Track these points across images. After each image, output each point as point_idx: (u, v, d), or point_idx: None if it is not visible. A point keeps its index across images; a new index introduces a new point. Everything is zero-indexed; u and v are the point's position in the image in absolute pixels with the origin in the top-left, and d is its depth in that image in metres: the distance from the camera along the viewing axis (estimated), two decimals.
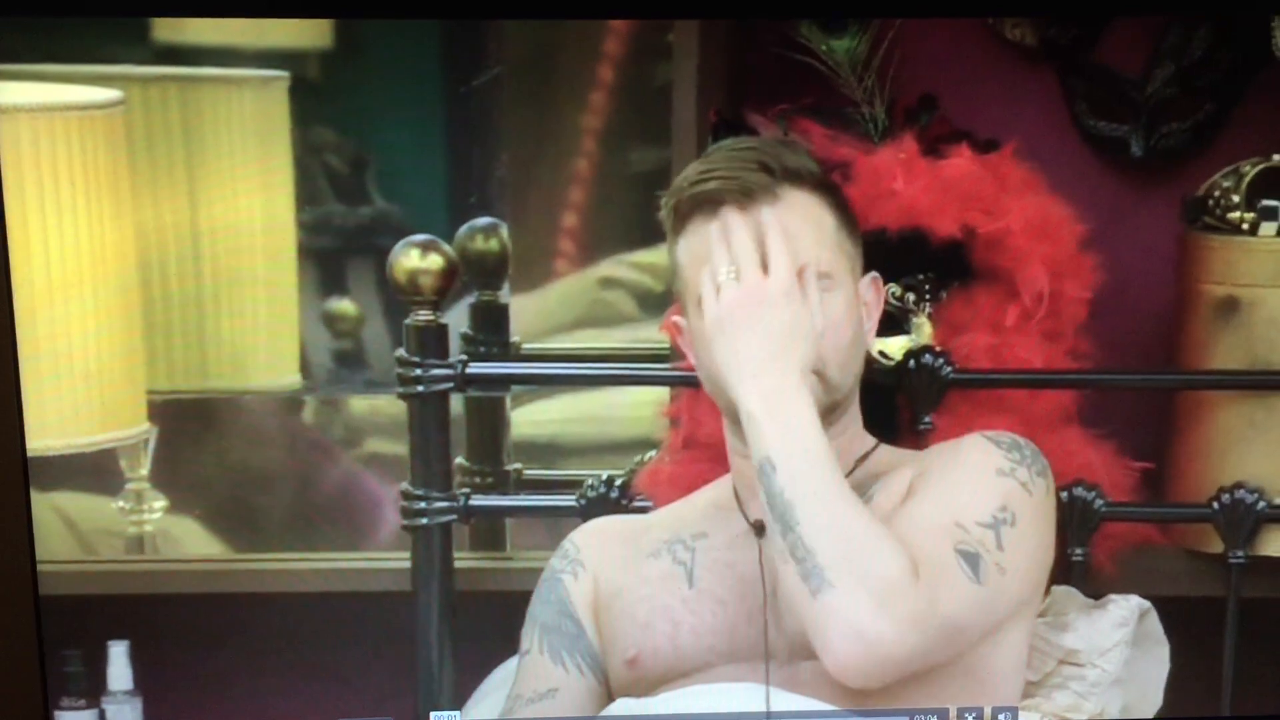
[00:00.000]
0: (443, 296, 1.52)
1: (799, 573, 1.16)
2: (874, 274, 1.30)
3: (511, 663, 1.46)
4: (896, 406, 1.47)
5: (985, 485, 1.24)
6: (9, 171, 1.48)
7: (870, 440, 1.32)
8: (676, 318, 1.32)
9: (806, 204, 1.24)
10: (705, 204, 1.23)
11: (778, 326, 1.20)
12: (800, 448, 1.18)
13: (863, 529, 1.17)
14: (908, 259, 1.45)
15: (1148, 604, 1.39)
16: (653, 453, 1.52)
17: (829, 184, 1.27)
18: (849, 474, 1.29)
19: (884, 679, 1.16)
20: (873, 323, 1.30)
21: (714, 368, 1.23)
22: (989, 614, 1.22)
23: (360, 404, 1.78)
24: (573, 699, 1.30)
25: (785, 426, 1.19)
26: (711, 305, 1.21)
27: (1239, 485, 1.48)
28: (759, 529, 1.28)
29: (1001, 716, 1.28)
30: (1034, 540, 1.26)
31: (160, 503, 1.72)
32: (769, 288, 1.20)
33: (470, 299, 1.69)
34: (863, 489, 1.28)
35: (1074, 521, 1.45)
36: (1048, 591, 1.36)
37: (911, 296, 1.48)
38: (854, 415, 1.31)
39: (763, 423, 1.18)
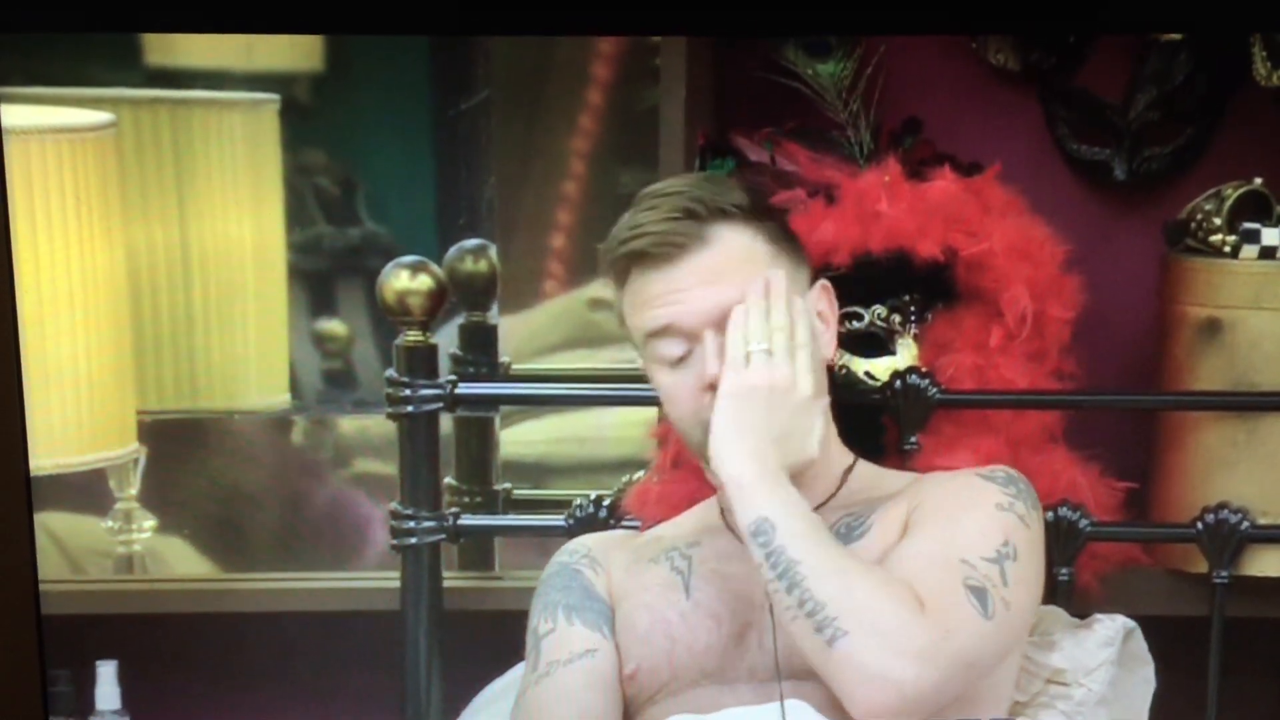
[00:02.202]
0: (432, 317, 1.53)
1: (812, 625, 1.17)
2: (822, 281, 1.29)
3: (505, 678, 1.46)
4: (883, 427, 1.48)
5: (987, 521, 1.25)
6: None
7: (850, 455, 1.32)
8: None
9: (735, 240, 1.25)
10: (638, 260, 1.25)
11: (777, 422, 1.22)
12: (797, 508, 1.20)
13: (863, 574, 1.19)
14: (892, 281, 1.46)
15: (1133, 623, 1.39)
16: (641, 472, 1.52)
17: (761, 212, 1.27)
18: (835, 491, 1.30)
19: (907, 715, 1.17)
20: (831, 331, 1.30)
21: (695, 431, 1.25)
22: (998, 648, 1.23)
23: (350, 424, 1.79)
24: (611, 662, 1.30)
25: (776, 485, 1.20)
26: (719, 377, 1.22)
27: (1223, 505, 1.48)
28: None
29: None
30: (1033, 573, 1.27)
31: (149, 522, 1.73)
32: (776, 379, 1.22)
33: (459, 320, 1.70)
34: (849, 507, 1.29)
35: (1059, 541, 1.45)
36: None
37: (897, 318, 1.49)
38: (829, 429, 1.31)
39: (756, 486, 1.20)
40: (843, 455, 1.32)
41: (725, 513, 1.32)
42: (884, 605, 1.16)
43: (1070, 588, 1.47)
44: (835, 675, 1.16)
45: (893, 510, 1.28)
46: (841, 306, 1.38)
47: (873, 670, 1.15)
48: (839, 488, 1.31)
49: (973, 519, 1.24)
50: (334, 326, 1.77)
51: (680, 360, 1.25)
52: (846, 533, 1.27)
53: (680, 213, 1.24)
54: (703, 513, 1.36)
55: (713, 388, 1.23)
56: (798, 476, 1.24)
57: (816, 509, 1.28)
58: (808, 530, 1.19)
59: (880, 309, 1.48)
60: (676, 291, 1.24)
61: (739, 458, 1.21)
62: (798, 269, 1.28)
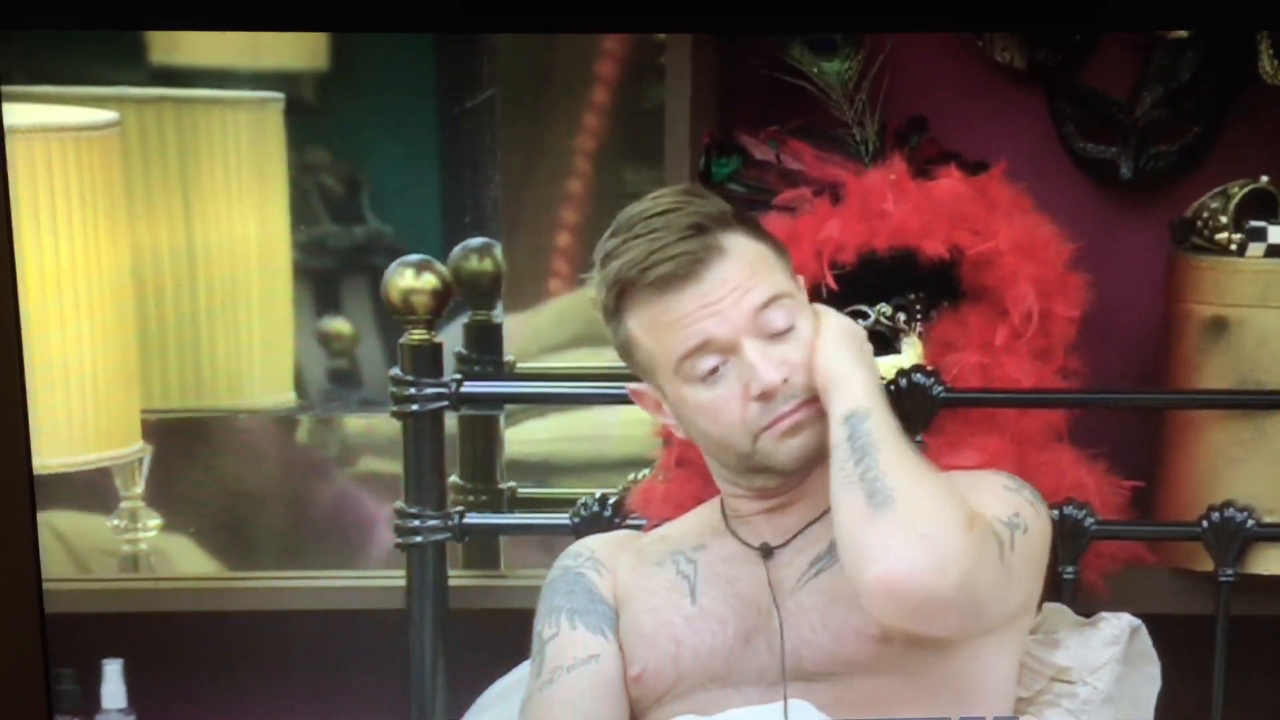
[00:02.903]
0: (437, 316, 1.53)
1: (864, 492, 1.20)
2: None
3: (510, 676, 1.47)
4: None
5: (1001, 495, 1.29)
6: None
7: None
8: (637, 386, 1.32)
9: (745, 244, 1.27)
10: (663, 284, 1.25)
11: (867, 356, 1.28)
12: (891, 416, 1.25)
13: (936, 476, 1.24)
14: (897, 279, 1.46)
15: (1138, 622, 1.39)
16: (646, 471, 1.53)
17: (741, 216, 1.29)
18: None
19: (907, 612, 1.18)
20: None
21: (743, 441, 1.26)
22: (995, 605, 1.24)
23: (355, 423, 1.79)
24: (615, 667, 1.31)
25: (879, 392, 1.26)
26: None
27: (1228, 504, 1.48)
28: (766, 552, 1.30)
29: None
30: (1036, 554, 1.29)
31: (154, 521, 1.73)
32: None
33: (464, 318, 1.70)
34: None
35: (1064, 540, 1.45)
36: (1039, 609, 1.36)
37: (902, 316, 1.49)
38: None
39: (863, 383, 1.24)
40: None
41: (729, 516, 1.33)
42: (942, 502, 1.20)
43: (1075, 586, 1.47)
44: (863, 543, 1.19)
45: None
46: (846, 305, 1.38)
47: (901, 547, 1.18)
48: None
49: (987, 493, 1.28)
50: (339, 325, 1.77)
51: (712, 374, 1.26)
52: None
53: (691, 230, 1.24)
54: (707, 514, 1.36)
55: (764, 397, 1.24)
56: (810, 479, 1.26)
57: (822, 514, 1.29)
58: (897, 432, 1.24)
59: (885, 307, 1.48)
60: (708, 305, 1.24)
61: (851, 359, 1.25)
62: (787, 260, 1.30)
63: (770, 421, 1.25)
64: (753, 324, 1.24)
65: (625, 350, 1.29)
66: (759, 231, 1.29)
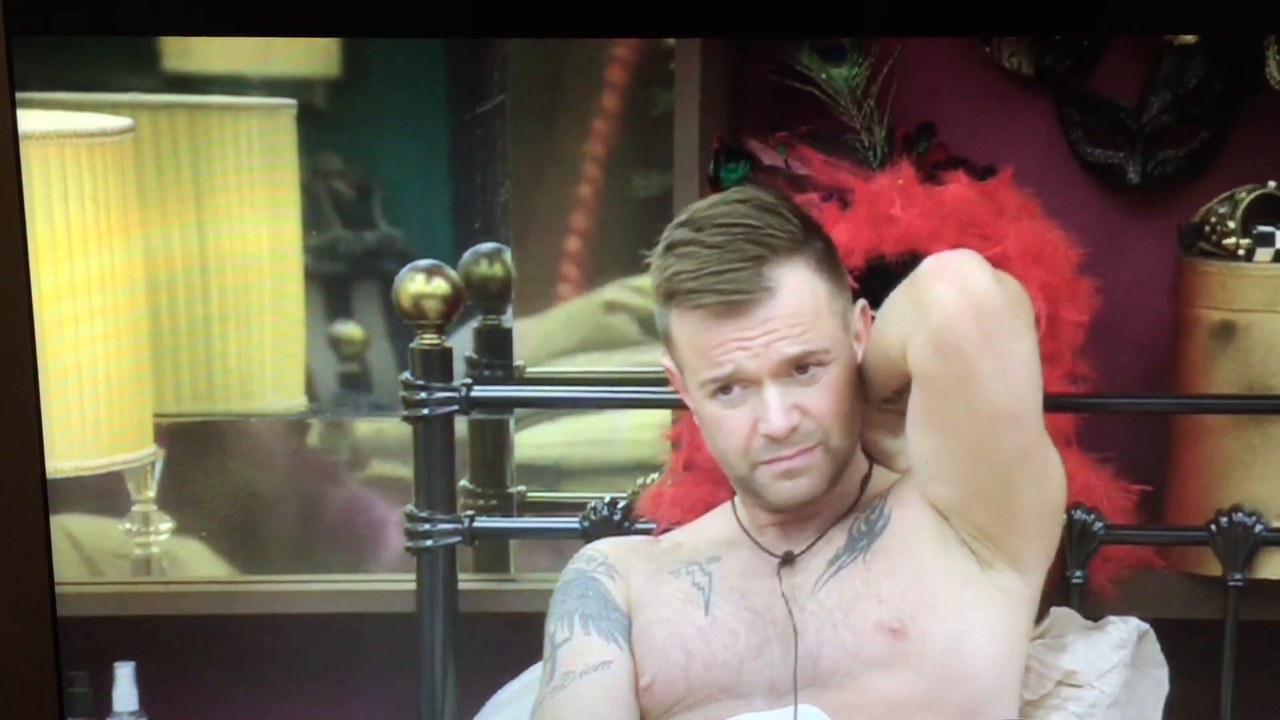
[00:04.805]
0: (447, 320, 1.53)
1: None
2: (862, 302, 1.31)
3: (519, 680, 1.47)
4: None
5: None
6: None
7: (866, 462, 1.33)
8: (669, 364, 1.32)
9: (797, 283, 1.25)
10: (704, 311, 1.25)
11: None
12: None
13: None
14: None
15: (1146, 626, 1.39)
16: (655, 475, 1.53)
17: (810, 233, 1.27)
18: (856, 500, 1.32)
19: (971, 305, 1.19)
20: (862, 349, 1.30)
21: (740, 465, 1.27)
22: (1031, 382, 1.23)
23: (365, 427, 1.80)
24: (626, 674, 1.31)
25: None
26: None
27: (1236, 508, 1.48)
28: (786, 560, 1.30)
29: None
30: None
31: (167, 525, 1.74)
32: None
33: (474, 323, 1.71)
34: (866, 507, 1.31)
35: (1073, 544, 1.46)
36: (1046, 613, 1.37)
37: None
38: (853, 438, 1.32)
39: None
40: (861, 462, 1.33)
41: (746, 526, 1.33)
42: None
43: (1084, 590, 1.47)
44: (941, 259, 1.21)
45: (903, 488, 1.29)
46: None
47: (963, 262, 1.21)
48: (859, 495, 1.32)
49: None
50: (350, 330, 1.78)
51: (729, 394, 1.26)
52: (867, 529, 1.29)
53: (751, 261, 1.23)
54: (723, 522, 1.36)
55: (769, 438, 1.25)
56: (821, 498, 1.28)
57: (839, 519, 1.30)
58: None
59: None
60: (742, 342, 1.24)
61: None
62: (843, 290, 1.29)
63: (770, 459, 1.26)
64: (780, 369, 1.25)
65: (663, 337, 1.30)
66: (824, 259, 1.27)
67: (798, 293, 1.24)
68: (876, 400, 1.31)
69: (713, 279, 1.23)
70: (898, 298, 1.25)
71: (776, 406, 1.24)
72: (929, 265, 1.22)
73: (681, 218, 1.28)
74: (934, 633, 1.25)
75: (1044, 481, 1.27)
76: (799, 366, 1.25)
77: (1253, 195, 1.50)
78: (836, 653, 1.27)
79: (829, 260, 1.27)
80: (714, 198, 1.30)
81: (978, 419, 1.22)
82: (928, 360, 1.21)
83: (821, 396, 1.25)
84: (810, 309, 1.25)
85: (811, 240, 1.27)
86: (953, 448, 1.24)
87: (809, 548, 1.31)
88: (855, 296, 1.31)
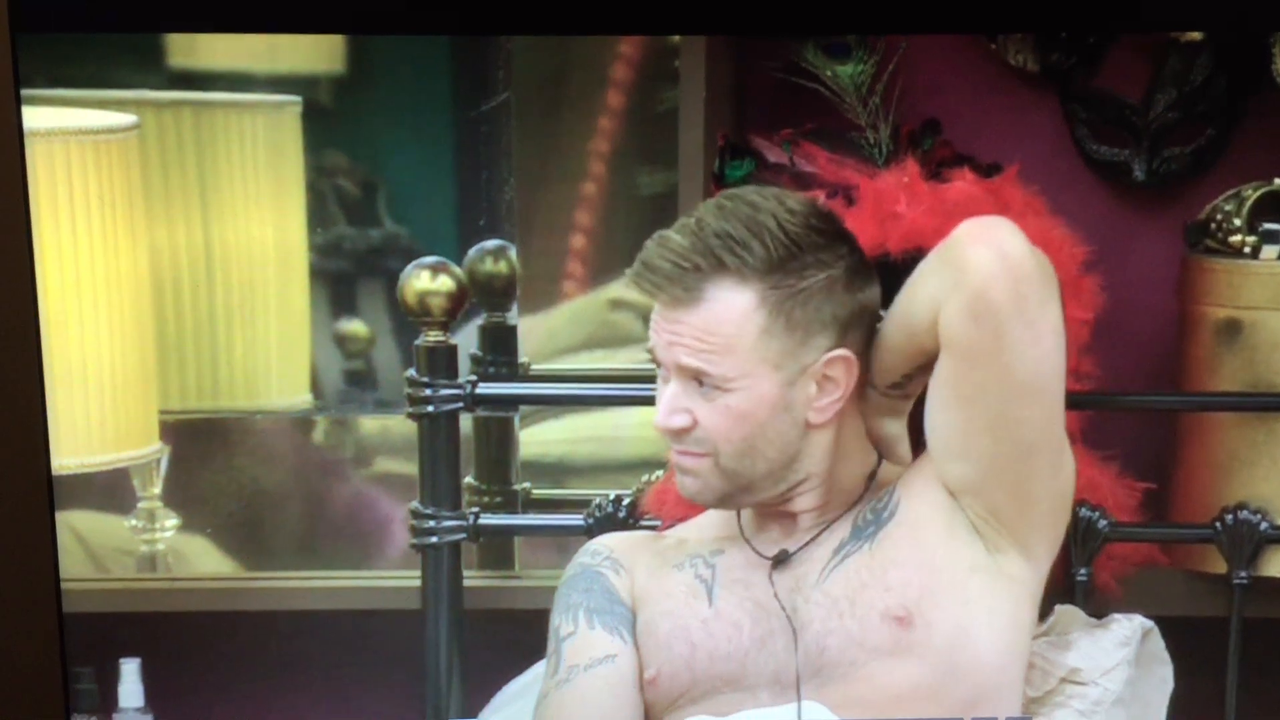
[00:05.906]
0: (452, 318, 1.54)
1: None
2: (845, 353, 1.26)
3: (524, 676, 1.47)
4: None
5: None
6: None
7: (874, 455, 1.33)
8: None
9: (730, 305, 1.24)
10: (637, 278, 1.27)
11: None
12: None
13: None
14: None
15: (1151, 624, 1.39)
16: (660, 472, 1.53)
17: (783, 271, 1.24)
18: (862, 493, 1.32)
19: (1007, 265, 1.20)
20: (828, 400, 1.27)
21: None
22: (1057, 352, 1.25)
23: (370, 424, 1.80)
24: (631, 668, 1.32)
25: None
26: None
27: (1242, 506, 1.48)
28: (779, 560, 1.31)
29: None
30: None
31: (172, 521, 1.74)
32: None
33: (479, 320, 1.71)
34: (875, 496, 1.31)
35: (1078, 541, 1.46)
36: (1051, 610, 1.37)
37: None
38: (857, 432, 1.32)
39: None
40: (867, 456, 1.33)
41: (742, 526, 1.34)
42: None
43: (1088, 588, 1.47)
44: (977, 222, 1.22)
45: (913, 477, 1.29)
46: None
47: (997, 225, 1.23)
48: (865, 489, 1.32)
49: None
50: (355, 327, 1.78)
51: (661, 372, 1.29)
52: (874, 517, 1.30)
53: (692, 266, 1.24)
54: (724, 520, 1.37)
55: (661, 430, 1.27)
56: (818, 494, 1.28)
57: (845, 512, 1.30)
58: None
59: None
60: (660, 329, 1.27)
61: None
62: (793, 342, 1.25)
63: (672, 445, 1.29)
64: (679, 371, 1.27)
65: None
66: (784, 297, 1.24)
67: (720, 316, 1.24)
68: (883, 386, 1.30)
69: (649, 273, 1.25)
70: (927, 269, 1.25)
71: (665, 401, 1.27)
72: (966, 229, 1.23)
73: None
74: (940, 622, 1.26)
75: (1060, 469, 1.28)
76: (697, 379, 1.26)
77: (1259, 192, 1.50)
78: (842, 642, 1.27)
79: (794, 304, 1.25)
80: (723, 194, 1.30)
81: (1003, 389, 1.22)
82: (962, 323, 1.21)
83: (714, 414, 1.26)
84: (726, 335, 1.24)
85: (785, 276, 1.24)
86: (975, 419, 1.24)
87: (811, 540, 1.31)
88: None
